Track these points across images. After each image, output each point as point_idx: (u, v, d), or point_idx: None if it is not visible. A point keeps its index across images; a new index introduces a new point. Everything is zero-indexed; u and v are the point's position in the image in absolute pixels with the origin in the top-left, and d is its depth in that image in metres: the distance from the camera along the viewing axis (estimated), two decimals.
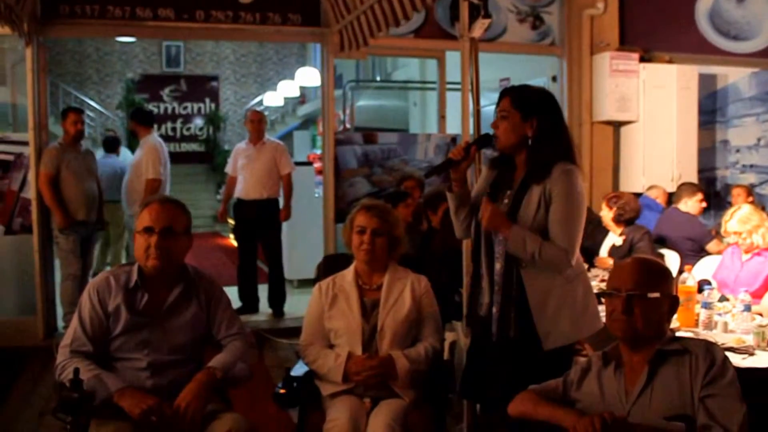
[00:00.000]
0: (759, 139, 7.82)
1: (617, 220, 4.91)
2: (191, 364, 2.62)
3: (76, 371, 2.08)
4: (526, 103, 2.61)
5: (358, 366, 2.77)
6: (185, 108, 16.85)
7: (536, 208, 2.56)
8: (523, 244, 2.53)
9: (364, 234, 2.90)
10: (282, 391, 2.85)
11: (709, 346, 2.03)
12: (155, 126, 6.72)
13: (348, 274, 2.99)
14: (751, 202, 6.01)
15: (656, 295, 2.07)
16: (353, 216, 2.97)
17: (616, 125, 6.90)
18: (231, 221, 8.27)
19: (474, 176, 3.28)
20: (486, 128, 2.93)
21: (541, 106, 2.63)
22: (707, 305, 3.42)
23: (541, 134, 2.60)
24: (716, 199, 7.75)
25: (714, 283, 4.10)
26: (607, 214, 4.95)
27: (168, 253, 2.56)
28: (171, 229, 2.57)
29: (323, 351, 2.88)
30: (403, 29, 6.30)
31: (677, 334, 2.38)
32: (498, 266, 2.66)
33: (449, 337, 3.70)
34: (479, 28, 3.47)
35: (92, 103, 15.45)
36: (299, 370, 2.98)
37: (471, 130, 3.46)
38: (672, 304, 2.14)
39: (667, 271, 2.20)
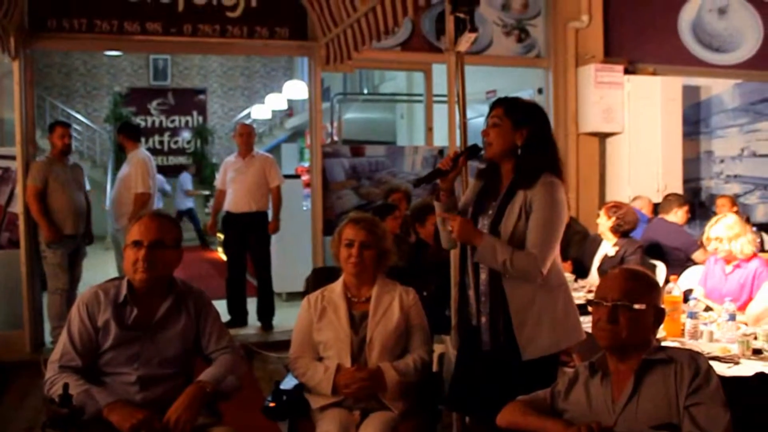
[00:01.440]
0: (742, 150, 7.92)
1: (615, 230, 4.93)
2: (181, 377, 2.62)
3: (66, 386, 2.08)
4: (518, 112, 2.66)
5: (347, 378, 2.78)
6: (173, 121, 16.82)
7: (517, 218, 2.60)
8: (493, 253, 2.57)
9: (352, 247, 2.91)
10: (271, 404, 2.84)
11: (694, 356, 2.06)
12: (142, 140, 6.72)
13: (336, 286, 3.00)
14: (736, 212, 6.07)
15: (642, 306, 2.09)
16: (341, 229, 2.99)
17: (602, 137, 6.97)
18: (220, 235, 8.26)
19: (461, 187, 3.31)
20: (473, 140, 2.96)
21: (533, 117, 2.68)
22: (693, 315, 3.45)
23: (530, 144, 2.64)
24: (701, 209, 7.82)
25: (701, 290, 4.16)
26: (605, 223, 4.96)
27: (156, 267, 2.56)
28: (160, 243, 2.57)
29: (312, 364, 2.89)
30: (390, 42, 6.35)
31: (663, 343, 2.40)
32: (483, 276, 2.69)
33: (438, 349, 3.72)
34: (465, 42, 3.51)
35: (79, 116, 15.41)
36: (289, 383, 2.98)
37: (458, 142, 3.49)
38: (658, 315, 2.16)
39: (655, 283, 2.22)
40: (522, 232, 2.59)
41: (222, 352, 2.69)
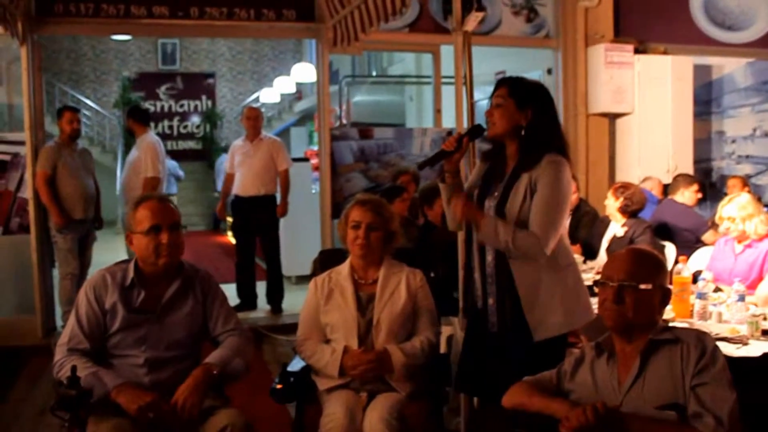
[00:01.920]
0: (754, 130, 7.83)
1: (623, 211, 4.90)
2: (188, 360, 2.63)
3: (74, 369, 2.09)
4: (522, 92, 2.65)
5: (354, 360, 2.78)
6: (182, 106, 16.82)
7: (522, 197, 2.58)
8: (495, 233, 2.56)
9: (359, 229, 2.91)
10: (279, 386, 2.86)
11: (700, 336, 2.04)
12: (152, 124, 6.72)
13: (343, 268, 3.00)
14: (747, 193, 6.03)
15: (648, 286, 2.08)
16: (348, 211, 2.98)
17: (612, 117, 6.91)
18: (229, 219, 8.28)
19: (468, 168, 3.29)
20: (481, 122, 2.94)
21: (537, 97, 2.66)
22: (702, 296, 3.43)
23: (534, 124, 2.62)
24: (712, 190, 7.76)
25: (710, 275, 4.12)
26: (612, 204, 4.93)
27: (179, 249, 2.61)
28: (177, 224, 2.62)
29: (320, 346, 2.89)
30: (398, 23, 6.31)
31: (672, 324, 2.39)
32: (489, 258, 2.68)
33: (446, 331, 3.72)
34: (472, 22, 3.47)
35: (88, 102, 15.43)
36: (296, 365, 2.99)
37: (465, 124, 3.46)
38: (664, 295, 2.15)
39: (662, 263, 2.21)
40: (527, 213, 2.58)
41: (229, 334, 2.70)
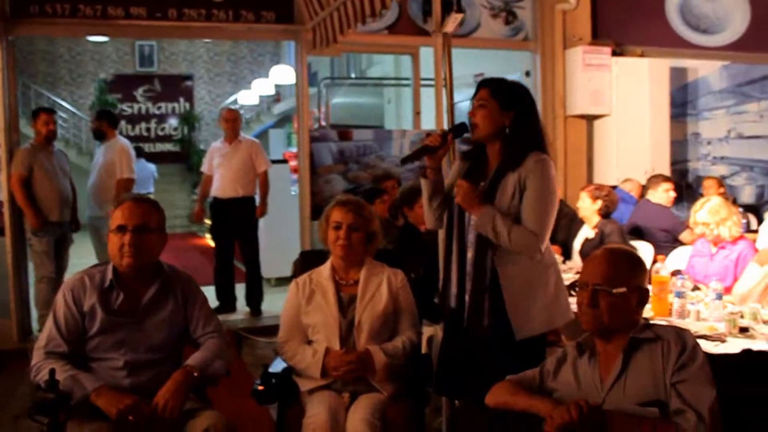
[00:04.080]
0: (729, 131, 7.95)
1: (603, 213, 4.92)
2: (169, 362, 2.61)
3: (52, 372, 2.07)
4: (504, 93, 2.66)
5: (336, 361, 2.78)
6: (159, 108, 16.71)
7: (511, 196, 2.60)
8: (492, 223, 2.56)
9: (340, 229, 2.90)
10: (260, 387, 2.84)
11: (680, 333, 2.06)
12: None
13: (324, 269, 2.99)
14: (722, 194, 6.10)
15: (622, 290, 2.08)
16: (329, 211, 2.97)
17: (590, 119, 6.96)
18: (207, 221, 8.22)
19: (448, 166, 3.30)
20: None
21: (519, 97, 2.68)
22: (680, 294, 3.47)
23: (518, 124, 2.64)
24: (688, 190, 7.85)
25: (686, 277, 4.17)
26: (589, 206, 4.94)
27: (142, 251, 2.55)
28: (144, 227, 2.56)
29: (301, 347, 2.88)
30: (377, 25, 6.32)
31: (652, 322, 2.41)
32: (470, 255, 2.69)
33: (427, 332, 3.72)
34: (452, 23, 3.48)
35: (65, 104, 15.28)
36: (277, 366, 2.98)
37: (446, 125, 3.47)
38: (641, 296, 2.15)
39: (638, 263, 2.21)
40: (515, 211, 2.60)
41: (209, 336, 2.68)
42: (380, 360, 2.79)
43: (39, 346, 2.52)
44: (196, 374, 2.51)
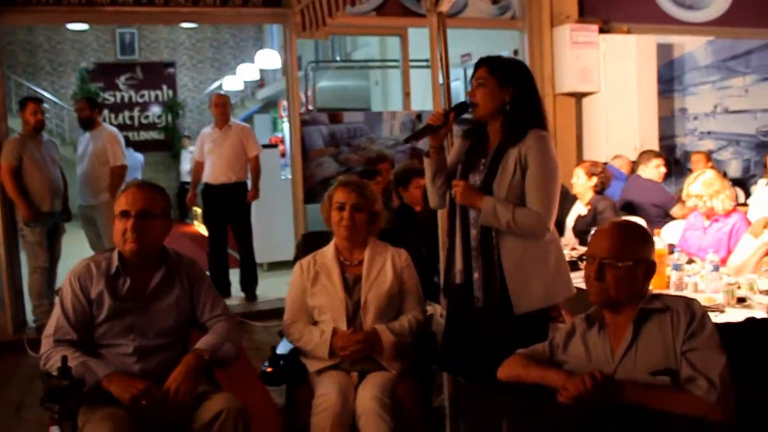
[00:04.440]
0: (715, 106, 8.00)
1: (598, 190, 4.96)
2: (178, 347, 2.62)
3: (65, 359, 2.06)
4: (502, 70, 2.67)
5: (344, 341, 2.79)
6: (142, 96, 16.56)
7: (512, 172, 2.61)
8: (495, 214, 2.58)
9: (343, 210, 2.91)
10: (269, 369, 2.86)
11: (689, 302, 2.09)
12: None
13: (328, 250, 3.00)
14: (711, 168, 6.16)
15: (628, 263, 2.11)
16: (331, 192, 2.98)
17: (578, 97, 6.98)
18: (197, 209, 8.18)
19: (447, 146, 3.30)
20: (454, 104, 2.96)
21: (517, 73, 2.69)
22: (677, 267, 3.51)
23: (518, 100, 2.65)
24: (677, 166, 7.92)
25: (680, 250, 4.21)
26: (585, 183, 4.98)
27: (144, 237, 2.54)
28: (147, 212, 2.55)
29: (308, 328, 2.90)
30: (365, 7, 6.29)
31: (659, 293, 2.43)
32: (474, 232, 2.70)
33: (428, 310, 3.74)
34: (447, 2, 3.47)
35: (46, 93, 15.09)
36: (284, 348, 2.99)
37: (442, 104, 3.47)
38: (648, 268, 2.17)
39: (645, 237, 2.23)
40: (518, 187, 2.61)
41: (217, 319, 2.70)
42: (387, 339, 2.81)
43: (47, 334, 2.52)
44: (207, 357, 2.53)
